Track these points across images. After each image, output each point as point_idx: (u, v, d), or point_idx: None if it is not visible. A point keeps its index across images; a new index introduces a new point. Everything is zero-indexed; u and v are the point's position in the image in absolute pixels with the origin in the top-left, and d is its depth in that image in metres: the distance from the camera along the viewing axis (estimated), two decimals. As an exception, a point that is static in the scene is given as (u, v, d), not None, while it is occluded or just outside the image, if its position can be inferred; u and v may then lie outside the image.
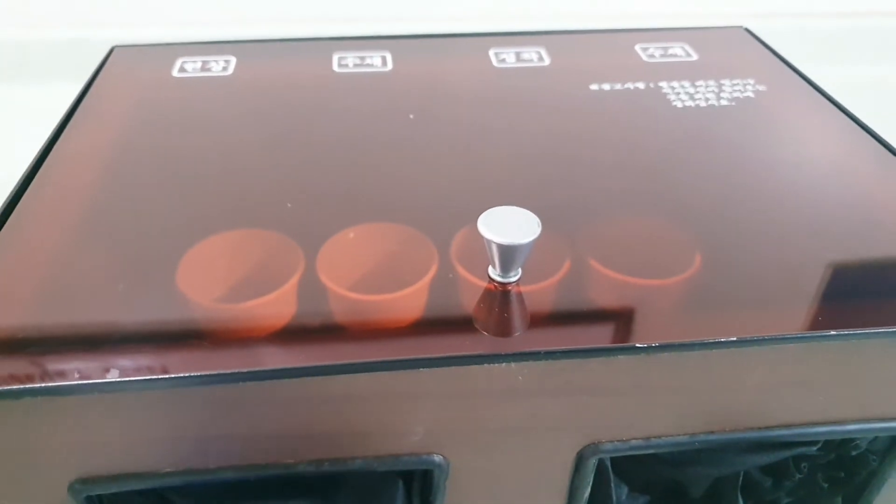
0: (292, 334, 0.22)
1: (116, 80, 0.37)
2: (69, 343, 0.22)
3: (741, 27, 0.43)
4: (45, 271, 0.24)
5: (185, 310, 0.23)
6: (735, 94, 0.36)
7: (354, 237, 0.26)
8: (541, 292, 0.24)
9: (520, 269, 0.24)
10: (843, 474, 0.27)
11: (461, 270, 0.24)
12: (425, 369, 0.21)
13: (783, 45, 0.40)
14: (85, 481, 0.22)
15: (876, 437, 0.26)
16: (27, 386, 0.20)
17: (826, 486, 0.27)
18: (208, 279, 0.24)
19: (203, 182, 0.29)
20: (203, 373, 0.21)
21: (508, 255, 0.23)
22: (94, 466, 0.22)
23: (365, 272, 0.24)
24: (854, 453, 0.26)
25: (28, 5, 0.62)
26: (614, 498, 0.26)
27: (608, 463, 0.26)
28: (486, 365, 0.21)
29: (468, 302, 0.23)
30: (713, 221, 0.27)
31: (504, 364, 0.21)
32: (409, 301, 0.23)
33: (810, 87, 0.36)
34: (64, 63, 0.54)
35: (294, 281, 0.24)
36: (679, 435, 0.24)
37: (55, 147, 0.31)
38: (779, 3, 0.67)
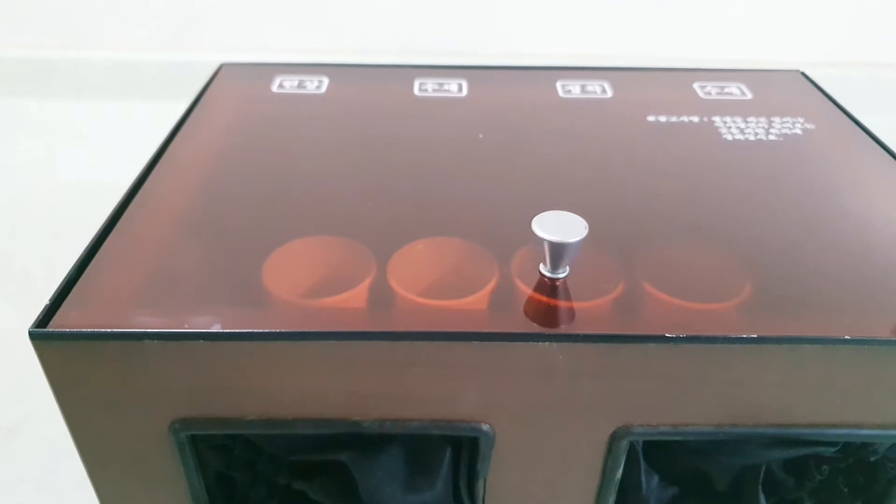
0: (363, 311, 0.26)
1: (223, 92, 0.42)
2: (177, 305, 0.26)
3: (798, 71, 0.46)
4: (155, 259, 0.28)
5: (272, 301, 0.27)
6: (784, 131, 0.38)
7: (423, 248, 0.29)
8: (593, 308, 0.26)
9: (567, 267, 0.27)
10: (862, 480, 0.29)
11: (520, 285, 0.27)
12: (476, 342, 0.24)
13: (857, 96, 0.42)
14: (185, 421, 0.26)
15: (894, 445, 0.28)
16: (149, 330, 0.24)
17: (846, 490, 0.29)
18: (291, 277, 0.27)
19: (293, 189, 0.33)
20: (289, 329, 0.24)
21: (558, 252, 0.26)
22: (192, 409, 0.26)
23: (431, 280, 0.27)
24: (872, 459, 0.28)
25: (150, 32, 0.69)
26: (644, 484, 0.29)
27: (640, 449, 0.28)
28: (529, 343, 0.25)
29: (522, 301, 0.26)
30: (753, 244, 0.29)
31: (546, 343, 0.24)
32: (465, 307, 0.26)
33: (858, 128, 0.39)
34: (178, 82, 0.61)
35: (366, 284, 0.27)
36: (705, 425, 0.27)
37: (168, 149, 0.36)
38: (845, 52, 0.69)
